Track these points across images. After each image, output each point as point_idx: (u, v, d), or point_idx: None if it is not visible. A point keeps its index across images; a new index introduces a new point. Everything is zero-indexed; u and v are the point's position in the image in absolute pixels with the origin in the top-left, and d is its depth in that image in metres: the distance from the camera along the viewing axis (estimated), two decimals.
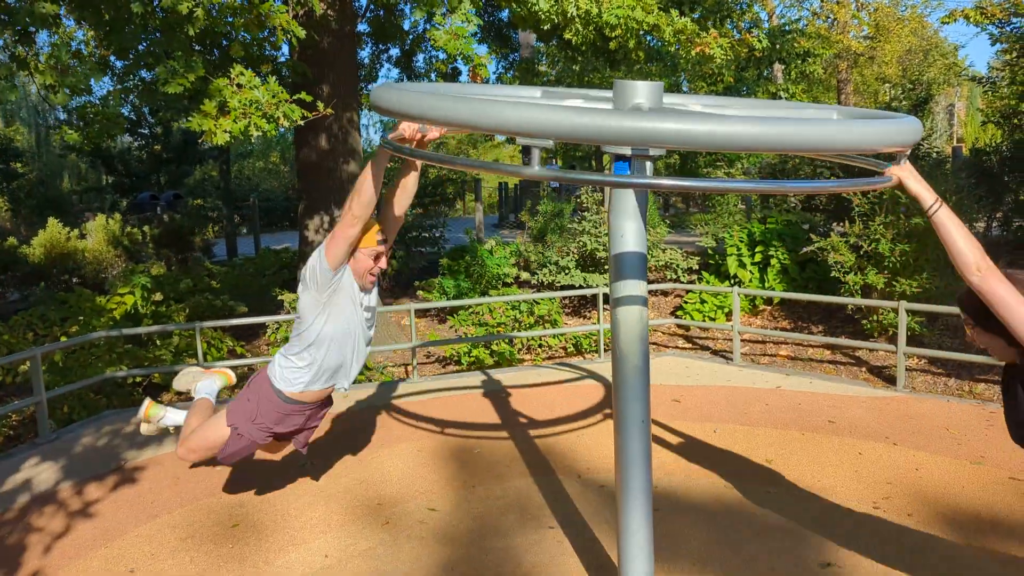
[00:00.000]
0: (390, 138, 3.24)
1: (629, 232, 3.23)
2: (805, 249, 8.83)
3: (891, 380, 7.20)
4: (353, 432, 6.08)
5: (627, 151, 2.77)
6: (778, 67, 18.35)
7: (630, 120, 2.14)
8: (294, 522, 4.61)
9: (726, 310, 9.45)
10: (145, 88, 6.37)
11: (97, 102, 6.69)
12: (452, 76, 11.11)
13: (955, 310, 6.90)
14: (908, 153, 2.55)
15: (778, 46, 15.99)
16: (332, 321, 3.85)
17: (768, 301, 9.73)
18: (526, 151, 2.25)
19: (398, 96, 2.61)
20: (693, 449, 5.47)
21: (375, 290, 4.07)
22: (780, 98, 17.71)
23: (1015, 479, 4.79)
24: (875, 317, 8.06)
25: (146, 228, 15.41)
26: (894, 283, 7.80)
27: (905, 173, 2.58)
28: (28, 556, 4.31)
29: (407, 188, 3.87)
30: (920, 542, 4.11)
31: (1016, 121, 10.31)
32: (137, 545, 4.39)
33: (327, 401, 4.24)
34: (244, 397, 4.08)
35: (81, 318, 8.15)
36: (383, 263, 3.92)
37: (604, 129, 2.11)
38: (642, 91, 2.87)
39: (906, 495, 4.64)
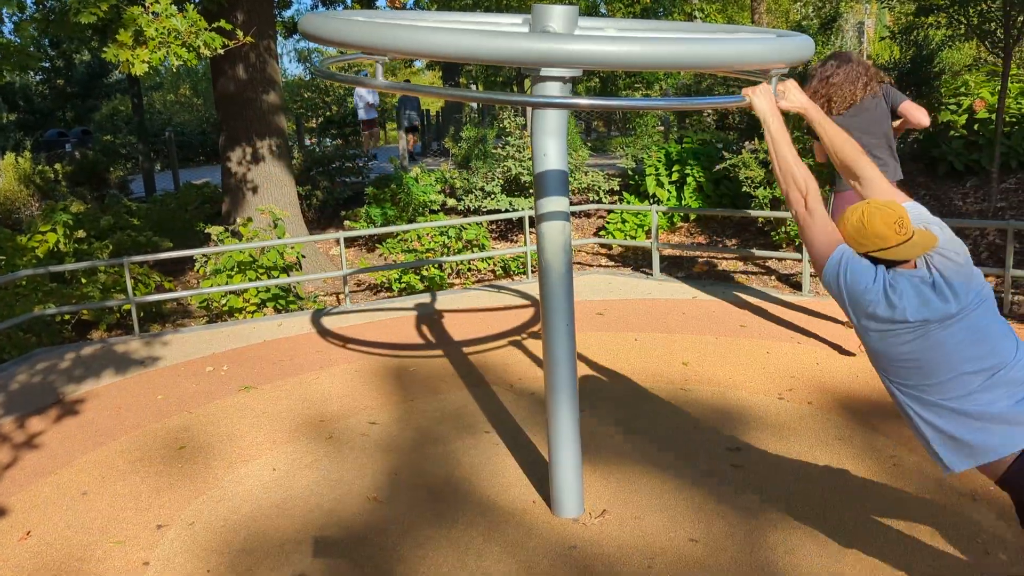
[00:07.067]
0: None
1: (551, 150, 3.45)
2: (719, 167, 9.19)
3: (797, 286, 7.68)
4: (291, 357, 6.26)
5: (552, 72, 2.99)
6: None
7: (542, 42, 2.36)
8: (240, 441, 4.80)
9: (646, 228, 9.80)
10: (56, 19, 6.20)
11: (10, 36, 6.50)
12: (369, 3, 10.98)
13: None
14: (784, 72, 2.75)
15: None
16: None
17: (685, 218, 10.12)
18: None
19: (344, 26, 2.76)
20: (615, 356, 5.83)
21: None
22: (695, 18, 17.93)
23: None
24: (783, 229, 8.51)
25: (57, 166, 14.93)
26: None
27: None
28: None
29: None
30: (818, 425, 4.56)
31: (914, 36, 10.71)
32: (87, 470, 4.53)
33: None
34: None
35: (2, 257, 8.01)
36: None
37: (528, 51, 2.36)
38: (557, 15, 3.08)
39: (807, 386, 5.09)
